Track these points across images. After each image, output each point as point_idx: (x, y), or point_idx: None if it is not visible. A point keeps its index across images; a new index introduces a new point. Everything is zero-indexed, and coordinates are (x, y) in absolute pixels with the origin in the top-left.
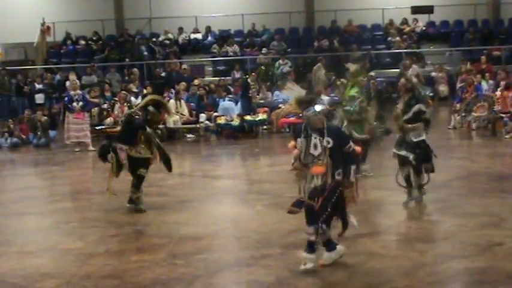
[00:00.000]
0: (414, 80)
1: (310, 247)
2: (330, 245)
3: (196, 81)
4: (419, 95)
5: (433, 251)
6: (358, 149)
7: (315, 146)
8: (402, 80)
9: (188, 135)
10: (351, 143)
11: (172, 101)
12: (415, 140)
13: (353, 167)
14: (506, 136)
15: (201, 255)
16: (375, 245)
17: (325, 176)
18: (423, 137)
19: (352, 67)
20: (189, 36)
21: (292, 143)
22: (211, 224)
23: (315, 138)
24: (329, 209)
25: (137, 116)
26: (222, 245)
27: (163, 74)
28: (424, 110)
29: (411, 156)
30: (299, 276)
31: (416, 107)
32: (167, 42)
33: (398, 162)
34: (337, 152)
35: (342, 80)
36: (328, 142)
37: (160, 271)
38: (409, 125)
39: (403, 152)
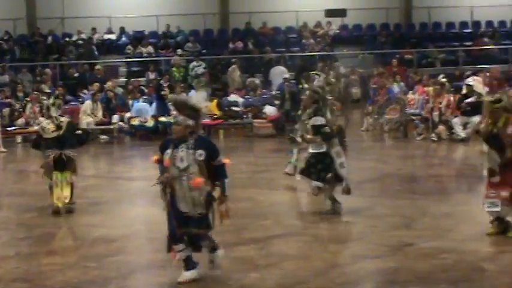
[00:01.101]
0: (322, 89)
1: (212, 261)
2: (189, 264)
3: (109, 83)
4: (321, 108)
5: (345, 252)
6: (227, 161)
7: (181, 159)
8: (309, 92)
9: (102, 137)
10: (221, 157)
11: (88, 101)
12: (312, 150)
13: (226, 181)
14: (418, 138)
15: (114, 258)
16: (288, 246)
17: (203, 191)
18: (324, 149)
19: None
20: (102, 37)
21: (155, 156)
22: (124, 226)
23: (182, 150)
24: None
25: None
26: (135, 247)
27: (76, 75)
28: (323, 124)
29: (314, 183)
30: (212, 278)
31: (311, 121)
32: (80, 42)
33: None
34: (208, 165)
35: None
36: (201, 155)
37: (72, 274)
38: (308, 136)
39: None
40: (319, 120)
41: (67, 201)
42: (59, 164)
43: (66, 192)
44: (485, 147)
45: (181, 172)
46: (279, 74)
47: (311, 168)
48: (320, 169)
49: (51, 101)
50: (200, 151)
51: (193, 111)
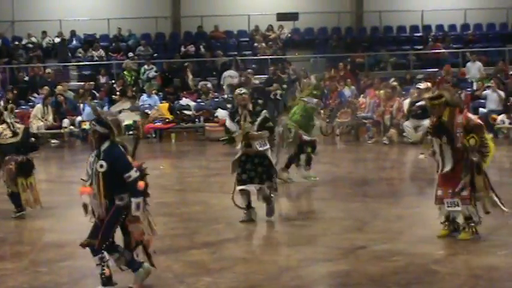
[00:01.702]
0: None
1: (104, 279)
2: (133, 265)
3: (59, 87)
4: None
5: (297, 255)
6: (141, 184)
7: (90, 166)
8: (240, 92)
9: (52, 141)
10: (132, 174)
11: (39, 105)
12: (260, 148)
13: (135, 200)
14: (369, 141)
15: (65, 263)
16: (240, 250)
17: (103, 203)
18: (267, 146)
19: (312, 79)
20: (53, 40)
21: None
22: (75, 230)
23: (92, 156)
24: (110, 239)
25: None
26: (86, 251)
27: (26, 78)
28: (268, 117)
29: (254, 187)
30: (164, 282)
31: (263, 113)
32: (30, 45)
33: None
34: (118, 178)
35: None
36: (102, 166)
37: (22, 279)
38: (255, 132)
39: (248, 187)
40: (267, 113)
41: (39, 204)
42: (22, 169)
43: (36, 195)
44: (435, 147)
45: (88, 178)
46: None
47: (251, 173)
48: (261, 172)
49: (2, 104)
50: (102, 162)
51: (106, 119)
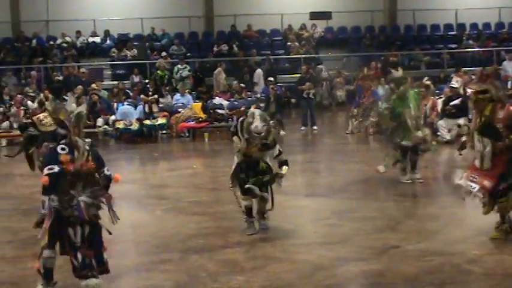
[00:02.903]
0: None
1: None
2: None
3: (93, 85)
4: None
5: (330, 254)
6: (44, 179)
7: None
8: (259, 133)
9: (86, 140)
10: (45, 171)
11: (73, 105)
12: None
13: (43, 198)
14: None
15: None
16: (273, 249)
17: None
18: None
19: (396, 73)
20: (87, 40)
21: None
22: (110, 229)
23: None
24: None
25: None
26: (120, 250)
27: (60, 78)
28: (282, 151)
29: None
30: (198, 281)
31: (277, 148)
32: (65, 45)
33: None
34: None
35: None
36: None
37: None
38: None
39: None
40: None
41: None
42: None
43: None
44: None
45: None
46: (260, 76)
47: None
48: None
49: (42, 96)
50: None
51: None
